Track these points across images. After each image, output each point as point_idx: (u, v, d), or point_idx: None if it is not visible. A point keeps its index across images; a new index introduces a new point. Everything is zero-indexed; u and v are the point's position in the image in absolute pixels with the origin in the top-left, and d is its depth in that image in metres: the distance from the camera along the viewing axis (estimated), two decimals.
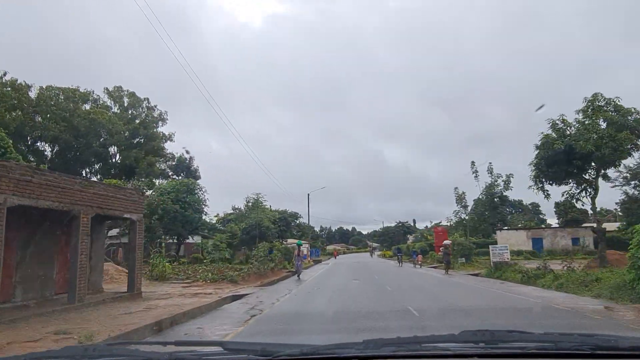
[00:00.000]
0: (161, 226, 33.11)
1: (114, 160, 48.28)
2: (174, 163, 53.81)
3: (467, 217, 40.12)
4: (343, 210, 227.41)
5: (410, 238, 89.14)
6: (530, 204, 74.98)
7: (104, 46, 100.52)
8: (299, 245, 36.62)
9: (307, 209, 73.82)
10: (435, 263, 38.89)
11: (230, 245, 40.52)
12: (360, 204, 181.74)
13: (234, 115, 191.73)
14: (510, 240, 41.58)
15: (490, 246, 29.19)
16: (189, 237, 38.61)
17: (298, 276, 26.83)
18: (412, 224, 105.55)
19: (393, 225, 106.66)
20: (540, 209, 74.56)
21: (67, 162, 41.98)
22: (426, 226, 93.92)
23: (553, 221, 61.32)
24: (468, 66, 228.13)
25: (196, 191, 38.09)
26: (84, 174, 42.48)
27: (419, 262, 39.35)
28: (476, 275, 27.47)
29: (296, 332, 9.59)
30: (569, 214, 56.38)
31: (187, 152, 57.09)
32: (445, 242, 37.31)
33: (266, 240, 39.66)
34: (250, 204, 50.58)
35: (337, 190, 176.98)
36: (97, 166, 47.23)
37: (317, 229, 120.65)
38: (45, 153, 43.51)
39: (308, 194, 58.02)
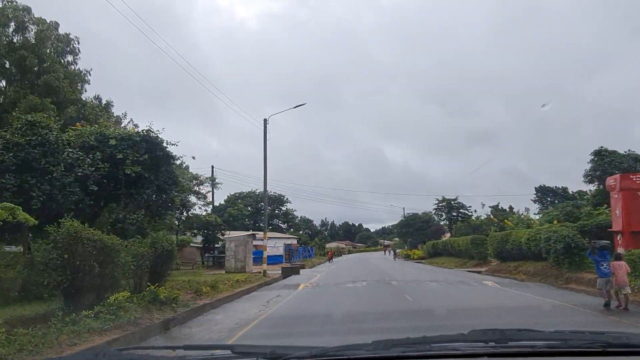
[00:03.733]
0: None
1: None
2: (87, 111, 37.64)
3: None
4: (347, 209, 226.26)
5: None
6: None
7: (93, 43, 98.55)
8: None
9: (264, 146, 28.07)
10: None
11: None
12: (363, 202, 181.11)
13: (231, 114, 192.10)
14: None
15: None
16: None
17: None
18: (464, 203, 60.13)
19: (433, 207, 62.16)
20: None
21: None
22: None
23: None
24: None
25: None
26: None
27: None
28: None
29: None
30: None
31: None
32: None
33: None
34: None
35: (338, 190, 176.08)
36: None
37: (316, 223, 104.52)
38: None
39: (265, 119, 28.62)
